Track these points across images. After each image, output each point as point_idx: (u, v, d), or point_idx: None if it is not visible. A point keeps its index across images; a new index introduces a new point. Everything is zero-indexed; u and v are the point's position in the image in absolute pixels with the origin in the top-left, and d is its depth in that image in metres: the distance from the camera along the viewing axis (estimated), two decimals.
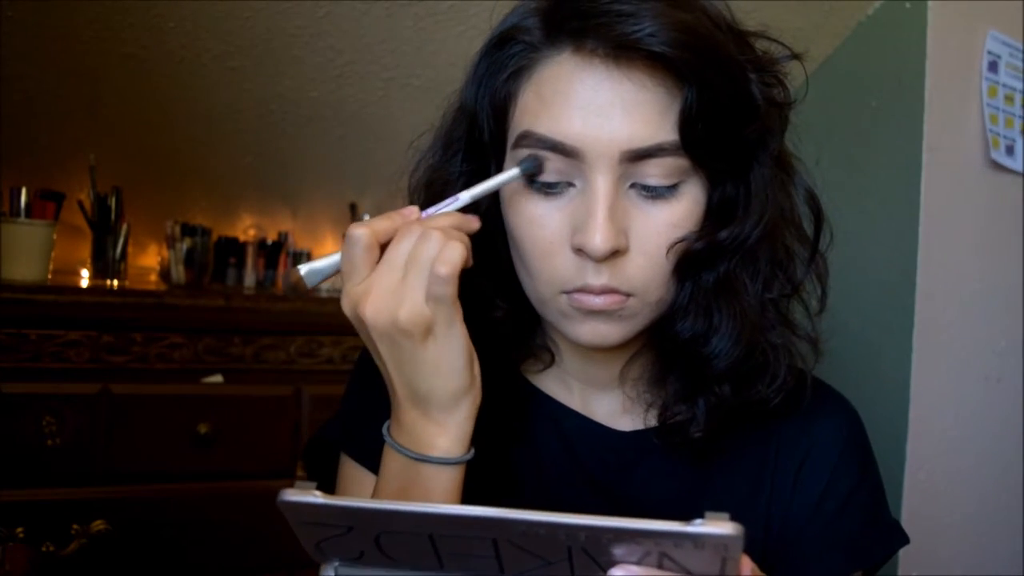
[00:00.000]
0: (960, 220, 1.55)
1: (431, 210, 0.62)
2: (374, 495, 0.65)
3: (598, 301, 0.62)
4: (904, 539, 0.74)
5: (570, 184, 0.62)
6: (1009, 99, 1.59)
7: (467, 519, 0.43)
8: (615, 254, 0.61)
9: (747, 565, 0.46)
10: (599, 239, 0.59)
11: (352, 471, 0.76)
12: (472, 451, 0.62)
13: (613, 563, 0.44)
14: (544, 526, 0.42)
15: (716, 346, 0.65)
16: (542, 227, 0.62)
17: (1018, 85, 1.60)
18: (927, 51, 1.51)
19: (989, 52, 1.53)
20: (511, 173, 0.62)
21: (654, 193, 0.61)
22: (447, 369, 0.59)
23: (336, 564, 0.49)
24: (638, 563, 0.44)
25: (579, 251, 0.61)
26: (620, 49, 0.58)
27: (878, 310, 1.57)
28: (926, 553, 1.54)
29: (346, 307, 0.59)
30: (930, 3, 1.51)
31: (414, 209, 0.61)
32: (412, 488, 0.61)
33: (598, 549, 0.43)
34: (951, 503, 1.57)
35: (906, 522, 1.48)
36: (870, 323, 1.58)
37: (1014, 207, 1.61)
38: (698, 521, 0.41)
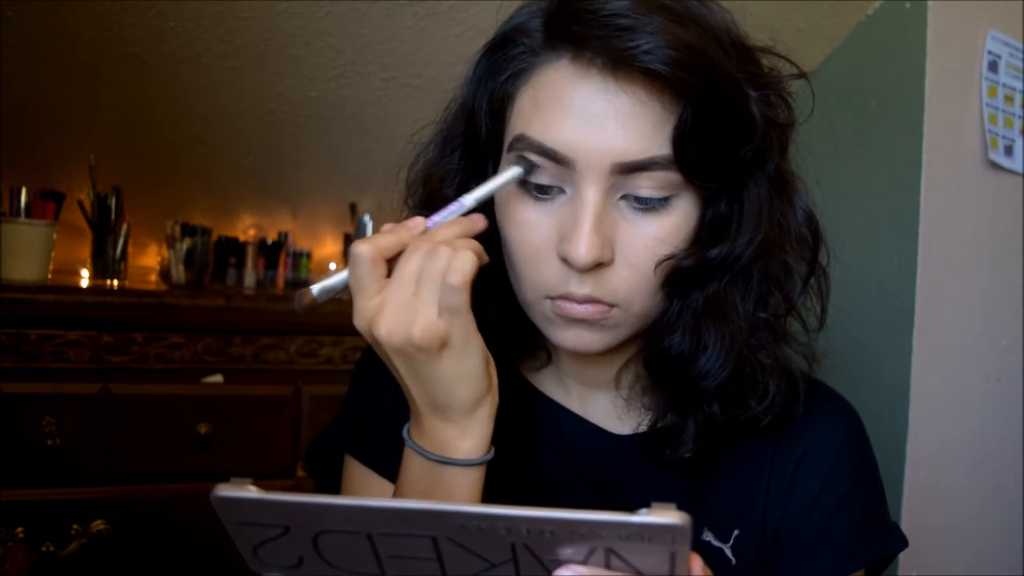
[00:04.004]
0: (960, 220, 1.55)
1: (436, 218, 0.61)
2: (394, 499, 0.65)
3: (580, 309, 0.62)
4: (903, 542, 0.73)
5: (561, 190, 0.62)
6: (1009, 99, 1.59)
7: (402, 512, 0.42)
8: (599, 265, 0.60)
9: (698, 563, 0.45)
10: (583, 250, 0.59)
11: (357, 473, 0.76)
12: (492, 450, 0.62)
13: (559, 563, 0.42)
14: (483, 518, 0.41)
15: (704, 365, 0.64)
16: (531, 231, 0.62)
17: (1018, 85, 1.60)
18: (927, 51, 1.51)
19: (989, 52, 1.53)
20: (513, 173, 0.62)
21: (645, 205, 0.61)
22: (465, 378, 0.59)
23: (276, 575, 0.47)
24: (584, 562, 0.42)
25: (564, 259, 0.61)
26: (617, 62, 0.58)
27: (878, 310, 1.57)
28: (926, 553, 1.54)
29: (359, 324, 0.58)
30: (930, 3, 1.51)
31: (420, 220, 0.61)
32: (435, 490, 0.61)
33: (543, 547, 0.42)
34: (951, 503, 1.57)
35: (906, 522, 1.49)
36: (870, 323, 1.58)
37: (1014, 207, 1.61)
38: (643, 511, 0.40)
